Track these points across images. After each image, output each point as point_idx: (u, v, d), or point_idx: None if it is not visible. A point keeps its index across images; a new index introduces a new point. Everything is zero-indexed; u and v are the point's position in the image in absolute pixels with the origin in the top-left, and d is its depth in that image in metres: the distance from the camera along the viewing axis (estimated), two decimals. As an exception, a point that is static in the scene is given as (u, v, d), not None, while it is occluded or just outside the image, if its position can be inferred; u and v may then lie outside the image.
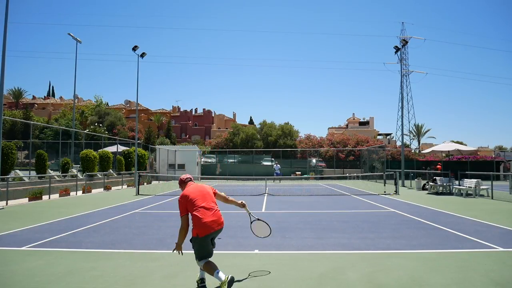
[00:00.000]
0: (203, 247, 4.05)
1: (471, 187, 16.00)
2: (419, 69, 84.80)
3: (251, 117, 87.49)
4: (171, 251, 3.96)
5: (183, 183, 4.41)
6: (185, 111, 67.83)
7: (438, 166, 25.99)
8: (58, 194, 16.09)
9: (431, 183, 18.70)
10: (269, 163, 37.47)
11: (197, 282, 4.26)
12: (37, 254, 5.70)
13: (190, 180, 4.50)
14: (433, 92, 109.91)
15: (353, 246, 6.24)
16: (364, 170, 33.62)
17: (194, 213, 4.01)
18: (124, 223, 8.67)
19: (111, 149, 27.38)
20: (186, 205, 4.07)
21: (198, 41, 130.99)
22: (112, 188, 21.40)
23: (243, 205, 4.61)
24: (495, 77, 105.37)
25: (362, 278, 4.43)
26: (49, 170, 19.06)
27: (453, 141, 27.32)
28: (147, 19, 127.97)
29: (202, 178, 32.59)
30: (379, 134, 63.37)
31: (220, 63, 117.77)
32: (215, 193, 4.41)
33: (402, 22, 74.84)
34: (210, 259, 4.09)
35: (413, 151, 48.28)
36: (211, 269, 3.96)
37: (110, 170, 24.60)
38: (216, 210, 4.16)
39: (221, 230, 4.21)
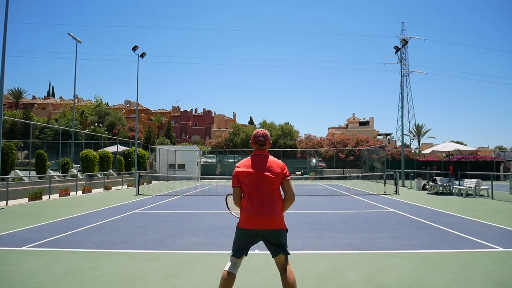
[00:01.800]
0: (236, 240, 3.23)
1: (471, 187, 16.00)
2: (419, 69, 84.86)
3: (251, 117, 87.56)
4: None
5: (253, 144, 3.35)
6: (185, 111, 67.85)
7: (451, 167, 25.41)
8: (58, 194, 16.09)
9: (431, 183, 18.70)
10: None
11: None
12: (37, 254, 5.70)
13: (264, 144, 3.29)
14: (433, 92, 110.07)
15: (353, 246, 6.23)
16: (364, 170, 33.63)
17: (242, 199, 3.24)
18: (124, 223, 8.67)
19: (111, 149, 27.39)
20: (238, 180, 3.23)
21: (198, 41, 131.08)
22: (112, 188, 21.40)
23: None
24: (495, 77, 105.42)
25: (362, 278, 4.43)
26: (49, 170, 19.07)
27: (453, 141, 27.31)
28: (147, 19, 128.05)
29: (202, 178, 32.60)
30: (379, 134, 63.38)
31: (220, 63, 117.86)
32: (284, 178, 3.20)
33: (402, 22, 75.05)
34: (231, 270, 3.16)
35: (413, 151, 48.30)
36: (220, 285, 3.12)
37: (110, 170, 24.60)
38: (269, 204, 3.11)
39: (272, 232, 3.12)
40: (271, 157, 3.25)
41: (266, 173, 3.13)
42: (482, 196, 15.82)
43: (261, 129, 3.40)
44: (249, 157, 3.29)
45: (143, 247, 6.17)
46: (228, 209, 3.68)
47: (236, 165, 3.26)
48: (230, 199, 3.58)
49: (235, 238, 3.23)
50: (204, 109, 68.46)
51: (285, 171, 3.21)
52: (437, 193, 17.57)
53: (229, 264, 3.18)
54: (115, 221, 8.99)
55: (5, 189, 13.01)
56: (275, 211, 3.12)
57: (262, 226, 3.09)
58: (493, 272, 4.67)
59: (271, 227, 3.10)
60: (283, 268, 3.15)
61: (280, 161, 3.28)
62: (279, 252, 3.14)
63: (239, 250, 3.17)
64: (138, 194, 17.08)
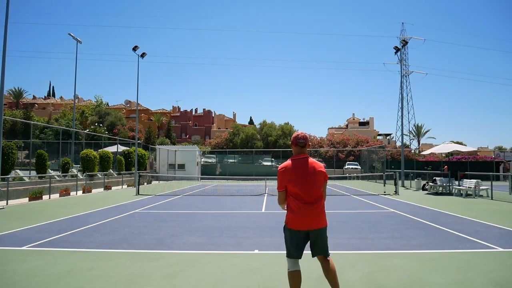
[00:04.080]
0: (288, 241, 3.37)
1: (470, 187, 16.00)
2: (419, 69, 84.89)
3: (251, 117, 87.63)
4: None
5: (294, 146, 3.42)
6: (185, 111, 67.81)
7: (445, 167, 25.24)
8: (58, 194, 16.09)
9: (431, 183, 18.70)
10: (269, 163, 37.47)
11: None
12: (37, 254, 5.70)
13: (304, 146, 3.37)
14: (433, 92, 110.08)
15: (353, 246, 6.24)
16: (364, 170, 33.63)
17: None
18: (124, 223, 8.68)
19: (111, 149, 27.40)
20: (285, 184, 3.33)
21: (198, 41, 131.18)
22: (112, 188, 21.41)
23: None
24: (495, 77, 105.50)
25: (362, 278, 4.43)
26: (49, 170, 19.06)
27: (452, 142, 27.30)
28: (147, 19, 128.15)
29: (202, 178, 32.61)
30: (379, 134, 63.37)
31: (220, 63, 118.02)
32: (324, 180, 3.40)
33: (402, 23, 74.69)
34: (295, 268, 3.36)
35: (413, 151, 48.31)
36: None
37: (110, 170, 24.60)
38: (317, 205, 3.29)
39: (319, 231, 3.32)
40: (311, 159, 3.37)
41: (311, 176, 3.26)
42: (481, 196, 15.81)
43: (300, 131, 3.50)
44: (290, 160, 3.35)
45: (143, 247, 6.18)
46: None
47: (280, 169, 3.33)
48: None
49: (288, 240, 3.33)
50: (204, 109, 68.43)
51: (325, 173, 3.39)
52: (436, 193, 17.56)
53: (288, 264, 3.36)
54: (115, 221, 8.99)
55: (6, 189, 13.01)
56: (322, 211, 3.31)
57: (311, 227, 3.24)
58: (493, 272, 4.67)
59: (318, 226, 3.27)
60: (324, 260, 3.38)
61: (320, 162, 3.46)
62: (322, 252, 3.33)
63: (296, 250, 3.29)
64: (138, 194, 17.08)
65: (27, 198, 13.97)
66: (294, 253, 3.30)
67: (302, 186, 3.23)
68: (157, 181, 30.10)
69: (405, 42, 28.84)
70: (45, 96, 77.39)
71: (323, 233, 3.33)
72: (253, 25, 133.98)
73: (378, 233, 7.37)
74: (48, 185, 15.50)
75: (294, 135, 3.45)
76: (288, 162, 3.35)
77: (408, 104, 61.60)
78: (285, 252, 3.40)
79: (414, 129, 62.73)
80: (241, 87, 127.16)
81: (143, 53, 22.63)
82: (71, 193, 16.82)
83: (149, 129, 53.97)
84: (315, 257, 3.39)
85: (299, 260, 3.36)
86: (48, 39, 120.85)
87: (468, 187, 16.10)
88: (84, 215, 10.10)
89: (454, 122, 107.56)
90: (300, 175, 3.25)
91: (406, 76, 59.36)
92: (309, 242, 3.34)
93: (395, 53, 27.07)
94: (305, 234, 3.27)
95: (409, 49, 61.40)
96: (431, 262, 5.18)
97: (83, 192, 17.79)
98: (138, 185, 17.82)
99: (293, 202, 3.27)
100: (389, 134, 66.69)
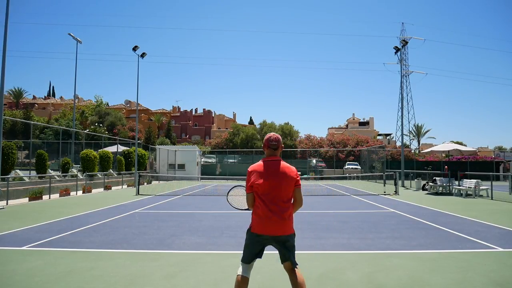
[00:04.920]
0: (248, 244, 3.28)
1: (470, 187, 16.00)
2: (419, 69, 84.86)
3: (251, 117, 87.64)
4: None
5: (266, 148, 3.25)
6: (185, 111, 67.80)
7: (446, 167, 25.11)
8: (58, 194, 16.09)
9: (431, 183, 18.70)
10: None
11: None
12: (37, 254, 5.70)
13: (277, 148, 3.21)
14: (433, 92, 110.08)
15: (353, 246, 6.24)
16: (364, 170, 33.63)
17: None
18: (124, 223, 8.67)
19: (111, 149, 27.40)
20: (252, 185, 3.18)
21: (198, 41, 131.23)
22: (112, 188, 21.40)
23: None
24: (495, 77, 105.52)
25: (362, 278, 4.43)
26: (49, 170, 19.07)
27: (453, 142, 27.30)
28: (147, 19, 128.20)
29: (202, 178, 32.61)
30: (379, 134, 63.38)
31: (220, 63, 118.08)
32: (296, 185, 3.18)
33: (402, 23, 74.72)
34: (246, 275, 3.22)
35: (413, 151, 48.30)
36: None
37: (110, 170, 24.60)
38: (282, 211, 3.15)
39: (284, 238, 3.20)
40: (283, 163, 3.20)
41: (280, 180, 3.08)
42: (481, 196, 15.82)
43: (273, 133, 3.32)
44: (261, 162, 3.20)
45: (143, 247, 6.18)
46: (232, 206, 3.80)
47: (249, 169, 3.20)
48: (233, 199, 3.74)
49: (247, 243, 3.24)
50: (204, 109, 68.42)
51: (298, 178, 3.18)
52: (436, 193, 17.56)
53: (240, 268, 3.22)
54: (115, 221, 8.99)
55: (6, 189, 13.01)
56: (288, 217, 3.17)
57: (275, 233, 3.11)
58: (493, 272, 4.67)
59: (283, 233, 3.14)
60: (291, 271, 3.20)
61: (293, 167, 3.25)
62: (288, 259, 3.16)
63: (252, 255, 3.19)
64: (138, 194, 17.08)
65: (27, 198, 13.97)
66: (248, 257, 3.20)
67: (269, 189, 3.06)
68: (157, 181, 30.10)
69: (405, 42, 28.85)
70: (45, 96, 77.42)
71: (289, 241, 3.18)
72: (253, 25, 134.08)
73: (378, 233, 7.37)
74: (48, 185, 15.50)
75: (266, 137, 3.27)
76: (259, 163, 3.20)
77: (408, 104, 61.69)
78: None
79: (414, 129, 62.76)
80: (241, 87, 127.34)
81: (143, 53, 22.64)
82: (71, 193, 16.81)
83: (149, 129, 53.97)
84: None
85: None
86: (48, 39, 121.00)
87: (468, 187, 16.10)
88: (84, 215, 10.10)
89: (454, 122, 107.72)
90: (268, 177, 3.07)
91: (406, 76, 59.43)
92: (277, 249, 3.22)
93: (395, 53, 27.11)
94: (267, 239, 3.15)
95: (409, 49, 61.49)
96: (431, 262, 5.18)
97: (83, 192, 17.79)
98: (138, 185, 17.82)
99: (259, 204, 3.12)
100: (389, 134, 66.73)
